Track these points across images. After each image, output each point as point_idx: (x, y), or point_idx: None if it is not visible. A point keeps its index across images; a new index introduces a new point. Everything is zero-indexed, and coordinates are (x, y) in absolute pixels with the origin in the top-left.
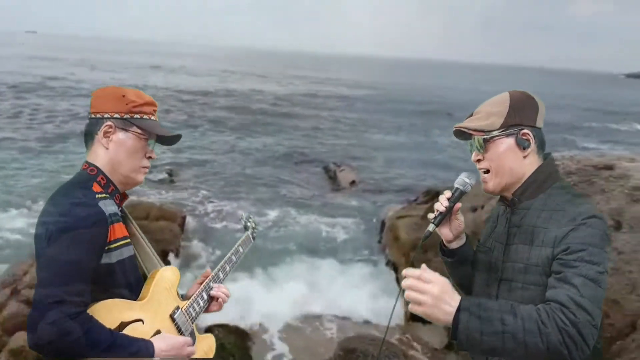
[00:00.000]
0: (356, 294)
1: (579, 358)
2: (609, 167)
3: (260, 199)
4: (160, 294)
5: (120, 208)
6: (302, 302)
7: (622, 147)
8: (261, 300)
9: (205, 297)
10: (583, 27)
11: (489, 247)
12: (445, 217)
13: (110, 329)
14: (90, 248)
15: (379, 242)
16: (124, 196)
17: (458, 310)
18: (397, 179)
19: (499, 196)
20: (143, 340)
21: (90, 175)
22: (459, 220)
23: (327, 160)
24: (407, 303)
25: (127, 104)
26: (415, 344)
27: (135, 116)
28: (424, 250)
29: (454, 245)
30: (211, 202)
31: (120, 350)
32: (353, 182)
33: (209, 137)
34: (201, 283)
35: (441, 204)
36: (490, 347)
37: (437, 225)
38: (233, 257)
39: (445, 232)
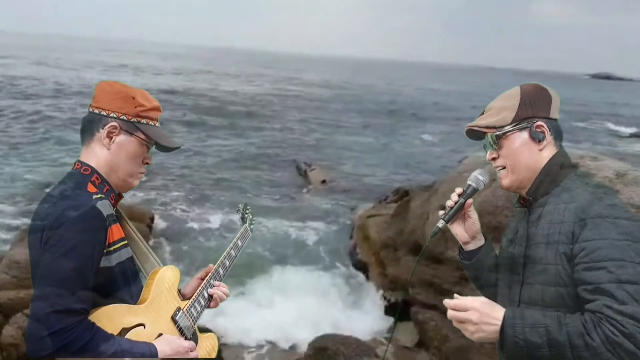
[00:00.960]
0: (326, 302)
1: None
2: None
3: (229, 201)
4: (161, 295)
5: (115, 208)
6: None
7: (585, 146)
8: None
9: (207, 295)
10: (546, 27)
11: (511, 251)
12: (456, 213)
13: (113, 335)
14: (89, 252)
15: (350, 238)
16: (119, 196)
17: (502, 329)
18: (367, 177)
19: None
20: (146, 343)
21: (83, 175)
22: (473, 219)
23: (298, 160)
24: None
25: (135, 107)
26: (385, 342)
27: (142, 121)
28: (394, 249)
29: (471, 246)
30: (180, 203)
31: (123, 355)
32: (324, 182)
33: (178, 137)
34: (201, 278)
35: (451, 200)
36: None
37: (447, 222)
38: (232, 252)
39: (460, 232)
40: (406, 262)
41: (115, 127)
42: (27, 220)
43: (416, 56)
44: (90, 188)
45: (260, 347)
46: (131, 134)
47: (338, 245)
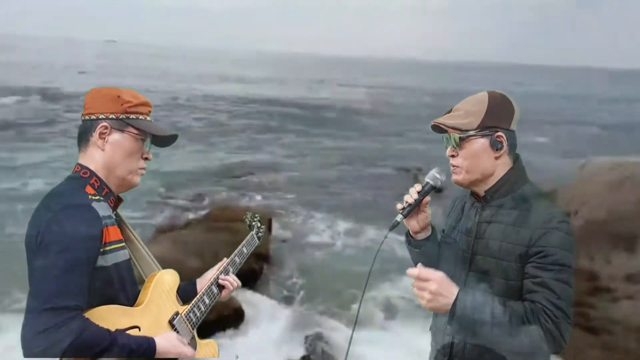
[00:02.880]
0: None
1: (557, 350)
2: None
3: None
4: (159, 298)
5: (115, 211)
6: None
7: None
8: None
9: (207, 301)
10: None
11: (454, 238)
12: (413, 209)
13: (107, 329)
14: (83, 250)
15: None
16: (118, 199)
17: (455, 302)
18: None
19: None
20: (144, 337)
21: (83, 178)
22: (427, 213)
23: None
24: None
25: (122, 104)
26: None
27: (131, 116)
28: None
29: (421, 236)
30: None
31: (120, 348)
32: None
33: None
34: (218, 269)
35: (411, 196)
36: (480, 335)
37: (405, 217)
38: (237, 259)
39: (413, 224)
40: None
41: (106, 127)
42: (148, 218)
43: (496, 57)
44: (89, 190)
45: None
46: (122, 131)
47: None
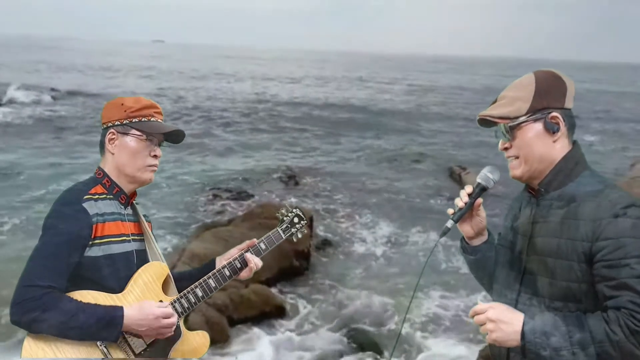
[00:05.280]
0: None
1: None
2: None
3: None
4: (139, 287)
5: (129, 207)
6: None
7: None
8: None
9: (200, 293)
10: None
11: (511, 240)
12: (465, 213)
13: (77, 300)
14: (66, 242)
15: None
16: (131, 196)
17: (522, 329)
18: None
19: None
20: (112, 306)
21: (96, 179)
22: (481, 217)
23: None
24: None
25: (125, 111)
26: None
27: (134, 120)
28: None
29: (476, 242)
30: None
31: (87, 315)
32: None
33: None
34: (242, 249)
35: (461, 200)
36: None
37: (456, 222)
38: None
39: (467, 229)
40: None
41: (113, 134)
42: (192, 216)
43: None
44: (98, 189)
45: None
46: (126, 134)
47: None
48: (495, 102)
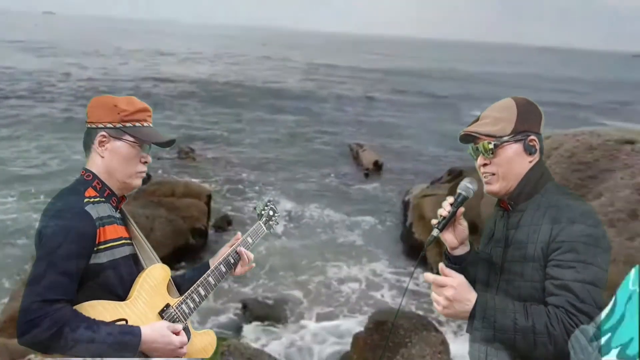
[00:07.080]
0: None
1: None
2: (631, 142)
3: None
4: (146, 292)
5: (119, 210)
6: None
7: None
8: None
9: (203, 292)
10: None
11: (488, 252)
12: (448, 222)
13: (93, 319)
14: (74, 250)
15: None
16: (121, 199)
17: (474, 308)
18: (422, 157)
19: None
20: (130, 325)
21: (86, 181)
22: (463, 226)
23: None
24: None
25: (118, 114)
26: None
27: (128, 124)
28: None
29: (459, 251)
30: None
31: (104, 335)
32: (376, 163)
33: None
34: (231, 245)
35: (444, 209)
36: (503, 344)
37: (441, 230)
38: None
39: (450, 239)
40: None
41: (104, 136)
42: None
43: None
44: (90, 192)
45: None
46: (120, 139)
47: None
48: (477, 120)
